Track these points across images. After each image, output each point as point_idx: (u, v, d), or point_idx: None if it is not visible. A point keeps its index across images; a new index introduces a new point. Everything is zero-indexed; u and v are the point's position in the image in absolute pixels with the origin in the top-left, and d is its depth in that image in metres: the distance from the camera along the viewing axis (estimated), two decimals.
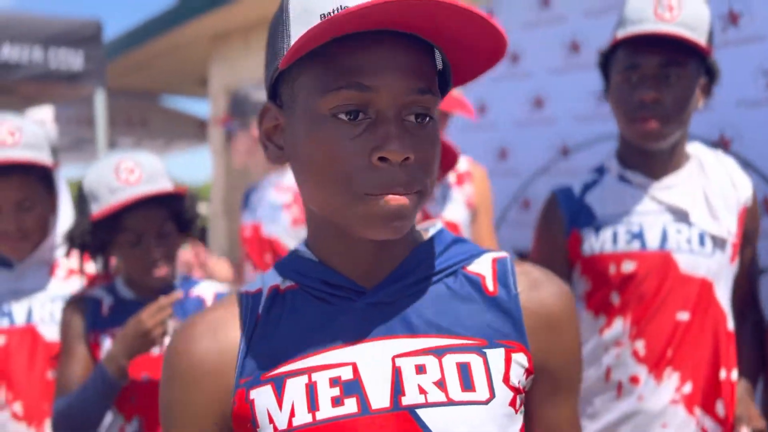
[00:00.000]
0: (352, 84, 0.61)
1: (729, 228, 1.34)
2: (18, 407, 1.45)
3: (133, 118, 6.86)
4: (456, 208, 2.01)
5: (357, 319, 0.68)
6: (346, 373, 0.66)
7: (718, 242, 1.33)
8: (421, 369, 0.65)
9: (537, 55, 2.41)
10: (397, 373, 0.65)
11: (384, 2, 0.55)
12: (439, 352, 0.66)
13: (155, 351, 1.39)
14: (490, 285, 0.71)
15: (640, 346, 1.34)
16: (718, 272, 1.33)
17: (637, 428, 1.34)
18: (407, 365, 0.66)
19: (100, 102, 3.80)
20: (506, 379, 0.67)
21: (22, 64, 3.43)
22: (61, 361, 1.40)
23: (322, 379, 0.66)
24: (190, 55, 6.05)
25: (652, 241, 1.34)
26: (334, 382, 0.65)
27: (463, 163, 2.06)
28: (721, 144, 1.79)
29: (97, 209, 1.36)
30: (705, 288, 1.32)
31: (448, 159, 1.49)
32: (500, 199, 2.39)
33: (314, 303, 0.70)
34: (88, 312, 1.41)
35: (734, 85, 1.72)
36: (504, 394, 0.66)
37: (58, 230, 1.55)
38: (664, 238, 1.34)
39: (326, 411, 0.65)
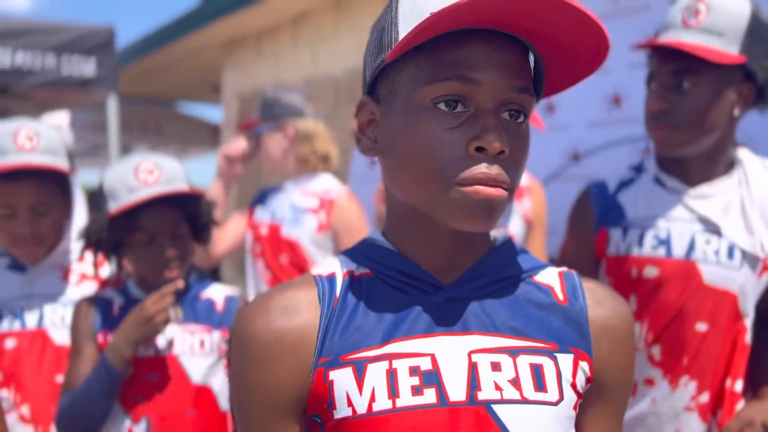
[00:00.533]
0: (457, 76, 0.64)
1: (763, 243, 1.30)
2: (26, 410, 1.45)
3: (147, 124, 6.90)
4: (515, 221, 2.04)
5: (434, 312, 0.69)
6: (425, 364, 0.67)
7: (749, 257, 1.29)
8: (496, 366, 0.67)
9: None
10: (473, 368, 0.67)
11: None
12: (513, 352, 0.68)
13: (162, 352, 1.39)
14: (560, 294, 0.73)
15: (656, 351, 1.32)
16: (745, 286, 1.30)
17: (649, 430, 1.33)
18: (483, 361, 0.67)
19: (112, 108, 3.83)
20: (574, 385, 0.69)
21: (35, 71, 3.47)
22: (70, 360, 1.40)
23: (402, 366, 0.67)
24: (203, 62, 6.08)
25: (678, 249, 1.31)
26: (413, 371, 0.66)
27: (523, 178, 2.05)
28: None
29: (114, 207, 1.37)
30: (729, 301, 1.29)
31: None
32: None
33: (390, 292, 0.71)
34: (99, 312, 1.42)
35: None
36: (570, 397, 0.69)
37: (73, 235, 1.56)
38: (691, 247, 1.31)
39: (406, 399, 0.65)
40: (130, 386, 1.36)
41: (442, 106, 0.65)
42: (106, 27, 3.70)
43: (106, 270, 1.56)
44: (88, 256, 1.52)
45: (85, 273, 1.58)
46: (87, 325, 1.40)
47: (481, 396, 0.66)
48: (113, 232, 1.38)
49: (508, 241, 0.76)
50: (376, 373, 0.66)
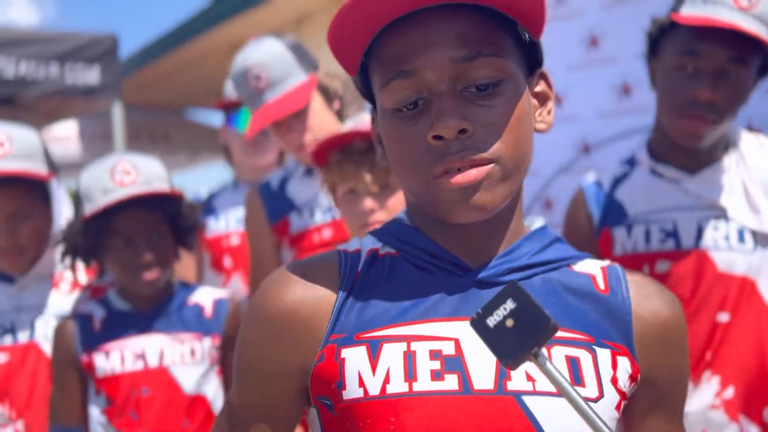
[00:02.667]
0: (397, 73, 0.62)
1: None
2: (21, 425, 1.42)
3: (155, 133, 6.91)
4: None
5: (460, 296, 0.66)
6: (448, 348, 0.63)
7: (760, 237, 1.24)
8: None
9: (555, 52, 2.33)
10: None
11: None
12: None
13: (151, 364, 1.35)
14: (601, 284, 0.69)
15: None
16: (761, 268, 1.24)
17: None
18: None
19: (117, 115, 3.83)
20: (614, 381, 0.65)
21: (39, 80, 3.46)
22: (53, 391, 1.37)
23: (422, 349, 0.63)
24: (209, 68, 6.07)
25: (687, 240, 1.27)
26: (434, 354, 0.63)
27: None
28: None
29: (89, 210, 1.33)
30: (747, 286, 1.24)
31: None
32: None
33: (415, 272, 0.68)
34: (79, 331, 1.37)
35: None
36: (612, 395, 0.65)
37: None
38: (700, 235, 1.26)
39: (424, 383, 0.62)
40: (122, 403, 1.32)
41: (403, 110, 0.63)
42: (108, 35, 3.70)
43: (81, 276, 1.51)
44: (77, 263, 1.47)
45: (77, 281, 1.54)
46: (67, 354, 1.36)
47: (511, 386, 0.62)
48: (88, 236, 1.33)
49: (544, 227, 0.73)
50: (392, 354, 0.63)
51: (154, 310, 1.41)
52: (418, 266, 0.68)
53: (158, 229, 1.36)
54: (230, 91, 2.19)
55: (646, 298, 0.70)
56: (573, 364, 0.64)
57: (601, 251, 1.35)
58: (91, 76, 3.60)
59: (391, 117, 0.65)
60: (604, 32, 2.21)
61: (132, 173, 1.34)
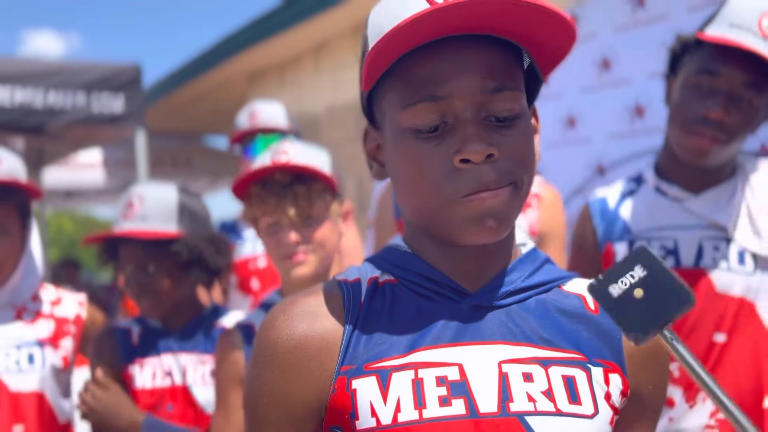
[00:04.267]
0: (426, 96, 0.63)
1: None
2: None
3: (178, 159, 7.04)
4: (517, 237, 1.88)
5: (461, 320, 0.67)
6: (453, 374, 0.64)
7: (760, 260, 1.25)
8: (528, 377, 0.65)
9: (567, 74, 2.37)
10: (504, 379, 0.64)
11: (435, 9, 0.57)
12: (544, 363, 0.66)
13: (177, 382, 1.38)
14: (591, 304, 0.71)
15: (674, 367, 1.27)
16: (760, 291, 1.24)
17: None
18: (514, 372, 0.65)
19: (140, 142, 3.91)
20: (608, 397, 0.67)
21: (66, 110, 3.57)
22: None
23: (428, 376, 0.64)
24: (229, 95, 6.19)
25: (687, 258, 1.27)
26: (440, 381, 0.64)
27: (534, 186, 1.93)
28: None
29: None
30: (744, 308, 1.24)
31: None
32: None
33: (415, 298, 0.69)
34: (120, 344, 1.44)
35: None
36: (606, 411, 0.66)
37: (26, 271, 1.49)
38: (700, 255, 1.26)
39: (433, 410, 0.63)
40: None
41: (421, 131, 0.64)
42: (132, 65, 3.80)
43: (64, 308, 1.52)
44: (45, 293, 1.51)
45: (41, 311, 1.50)
46: (108, 362, 1.43)
47: (514, 407, 0.63)
48: (109, 256, 1.46)
49: (534, 250, 0.74)
50: (401, 383, 0.64)
51: (183, 328, 1.46)
52: (417, 293, 0.69)
53: (147, 263, 1.39)
54: (242, 122, 2.26)
55: None
56: (569, 382, 0.65)
57: (603, 266, 1.37)
58: (115, 104, 3.69)
59: (409, 136, 0.65)
60: (617, 54, 2.24)
61: (136, 206, 1.40)
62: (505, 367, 0.65)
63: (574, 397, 0.65)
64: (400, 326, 0.67)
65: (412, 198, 0.67)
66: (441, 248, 0.70)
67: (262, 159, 1.21)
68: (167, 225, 1.40)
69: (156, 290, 1.40)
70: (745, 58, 1.16)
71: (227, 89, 6.06)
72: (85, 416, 1.37)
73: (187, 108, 6.84)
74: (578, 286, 0.73)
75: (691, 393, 1.25)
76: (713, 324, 1.24)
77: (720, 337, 1.24)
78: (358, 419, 0.64)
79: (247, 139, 2.23)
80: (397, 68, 0.64)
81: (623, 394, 0.69)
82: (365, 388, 0.65)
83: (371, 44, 0.66)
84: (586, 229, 1.40)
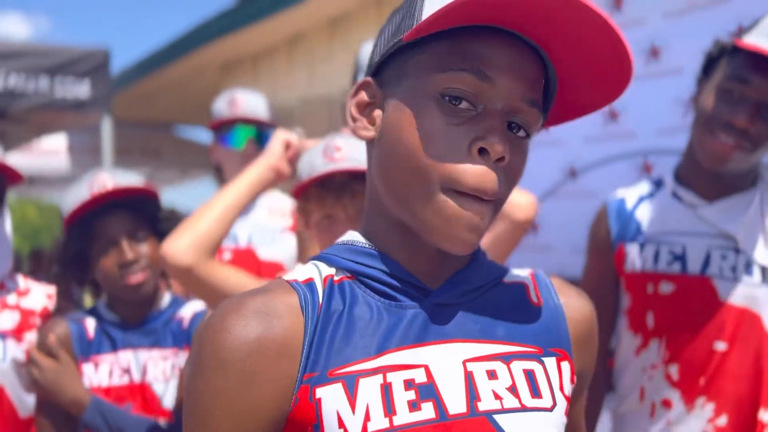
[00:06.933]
0: (475, 69, 0.61)
1: None
2: None
3: (146, 148, 6.90)
4: None
5: (424, 319, 0.65)
6: (420, 376, 0.62)
7: None
8: (492, 374, 0.64)
9: None
10: (470, 378, 0.63)
11: None
12: (506, 359, 0.66)
13: (136, 379, 1.32)
14: (533, 296, 0.72)
15: (674, 370, 1.28)
16: (766, 303, 1.24)
17: None
18: (479, 370, 0.64)
19: (106, 130, 3.81)
20: (561, 388, 0.68)
21: (27, 93, 3.45)
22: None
23: (397, 380, 0.61)
24: (201, 85, 6.09)
25: (693, 265, 1.27)
26: (408, 384, 0.61)
27: None
28: None
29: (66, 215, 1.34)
30: (748, 318, 1.24)
31: None
32: None
33: (375, 297, 0.66)
34: (75, 337, 1.36)
35: None
36: (561, 402, 0.67)
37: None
38: (707, 262, 1.26)
39: (404, 416, 0.60)
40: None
41: (447, 98, 0.61)
42: (100, 49, 3.70)
43: (31, 300, 1.46)
44: (12, 283, 1.44)
45: (6, 302, 1.43)
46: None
47: (482, 406, 0.62)
48: (74, 243, 1.34)
49: (481, 250, 0.74)
50: (369, 389, 0.60)
51: (141, 323, 1.39)
52: (378, 291, 0.66)
53: (140, 230, 1.35)
54: (221, 109, 2.19)
55: (571, 299, 0.73)
56: (530, 376, 0.65)
57: (616, 265, 1.38)
58: (81, 90, 3.59)
59: (431, 101, 0.62)
60: None
61: (109, 183, 1.34)
62: (470, 366, 0.64)
63: (535, 391, 0.65)
64: (362, 328, 0.63)
65: (398, 173, 0.64)
66: (406, 244, 0.67)
67: (315, 154, 1.23)
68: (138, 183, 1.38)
69: (149, 258, 1.36)
70: None
71: (199, 79, 5.96)
72: (28, 388, 1.31)
73: (158, 96, 6.72)
74: (515, 276, 0.73)
75: (689, 396, 1.25)
76: (714, 332, 1.24)
77: (720, 345, 1.24)
78: (323, 431, 0.60)
79: (225, 128, 2.16)
80: (450, 34, 0.62)
81: (571, 380, 0.70)
82: (331, 397, 0.60)
83: (429, 3, 0.63)
84: (601, 229, 1.41)
